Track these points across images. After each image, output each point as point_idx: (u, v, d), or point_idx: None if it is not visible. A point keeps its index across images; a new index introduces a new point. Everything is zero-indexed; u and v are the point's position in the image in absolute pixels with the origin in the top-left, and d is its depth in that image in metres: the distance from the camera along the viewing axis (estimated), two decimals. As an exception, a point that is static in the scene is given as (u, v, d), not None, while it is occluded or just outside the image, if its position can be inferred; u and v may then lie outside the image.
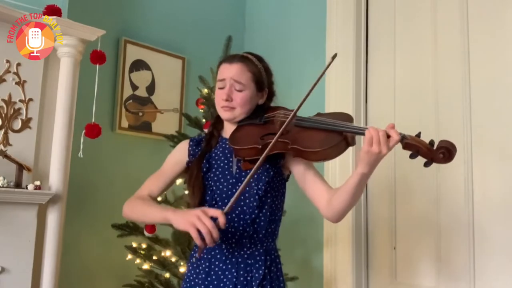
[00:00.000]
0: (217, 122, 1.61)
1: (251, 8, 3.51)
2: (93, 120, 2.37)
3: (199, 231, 1.26)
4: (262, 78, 1.55)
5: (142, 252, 2.41)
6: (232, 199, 1.33)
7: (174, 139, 2.51)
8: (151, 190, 1.57)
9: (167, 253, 2.36)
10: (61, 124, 2.28)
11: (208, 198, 1.50)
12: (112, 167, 2.78)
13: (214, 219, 1.29)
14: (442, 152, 1.23)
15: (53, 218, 2.23)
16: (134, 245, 2.43)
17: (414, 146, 1.26)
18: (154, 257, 2.39)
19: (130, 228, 2.41)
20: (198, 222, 1.26)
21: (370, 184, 2.66)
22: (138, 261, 2.43)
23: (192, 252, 1.56)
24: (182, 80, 3.12)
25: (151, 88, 2.99)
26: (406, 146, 1.28)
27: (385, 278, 2.54)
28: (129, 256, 2.44)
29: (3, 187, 2.07)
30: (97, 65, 2.39)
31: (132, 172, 2.77)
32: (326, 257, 2.70)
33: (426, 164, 1.27)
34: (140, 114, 2.92)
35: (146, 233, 2.38)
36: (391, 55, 2.66)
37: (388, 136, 1.26)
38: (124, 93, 2.86)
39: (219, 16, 3.37)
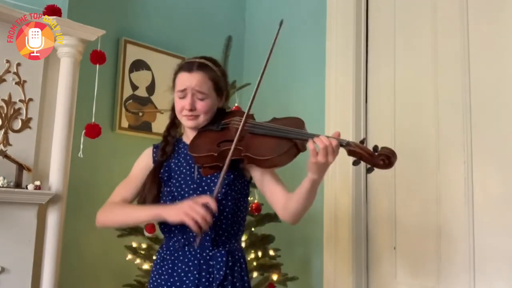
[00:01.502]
0: (172, 128, 1.63)
1: (251, 8, 3.51)
2: (93, 120, 2.37)
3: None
4: (221, 84, 1.57)
5: (142, 252, 2.41)
6: (218, 184, 1.38)
7: (174, 139, 2.50)
8: (124, 196, 1.57)
9: (167, 253, 2.36)
10: (61, 124, 2.28)
11: (169, 203, 1.51)
12: (112, 167, 2.78)
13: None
14: (382, 159, 1.29)
15: (53, 218, 2.23)
16: (134, 245, 2.43)
17: (357, 153, 1.31)
18: (154, 257, 2.38)
19: (130, 228, 2.41)
20: (191, 211, 1.33)
21: (370, 184, 2.66)
22: (138, 261, 2.43)
23: (157, 253, 1.57)
24: (182, 80, 3.11)
25: (151, 88, 2.99)
26: (350, 153, 1.33)
27: (385, 278, 2.55)
28: (129, 256, 2.44)
29: (3, 187, 2.07)
30: (97, 65, 2.39)
31: (132, 172, 2.77)
32: (326, 257, 2.70)
33: (369, 170, 1.32)
34: (140, 114, 2.92)
35: (146, 233, 2.38)
36: (391, 55, 2.66)
37: None
38: (124, 93, 2.86)
39: (219, 16, 3.37)
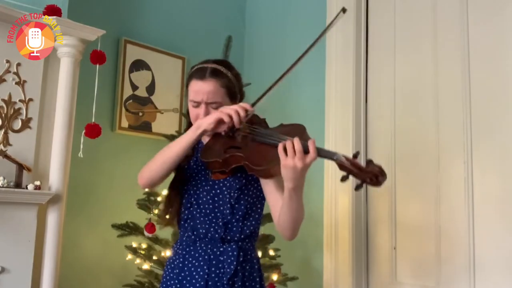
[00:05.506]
0: None
1: (251, 8, 3.51)
2: (93, 120, 2.37)
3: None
4: (234, 89, 1.55)
5: (142, 252, 2.41)
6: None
7: (174, 139, 2.50)
8: None
9: (167, 253, 2.36)
10: (61, 124, 2.28)
11: (184, 201, 1.52)
12: (112, 167, 2.78)
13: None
14: (370, 177, 1.17)
15: (53, 218, 2.23)
16: (134, 245, 2.43)
17: (347, 168, 1.20)
18: (154, 257, 2.39)
19: (130, 228, 2.42)
20: (226, 109, 1.41)
21: (370, 184, 2.66)
22: (138, 261, 2.43)
23: (172, 248, 1.57)
24: (182, 80, 3.11)
25: (151, 88, 2.99)
26: (340, 168, 1.21)
27: (385, 278, 2.55)
28: (129, 256, 2.44)
29: (3, 187, 2.07)
30: (97, 65, 2.39)
31: (132, 172, 2.76)
32: (326, 257, 2.70)
33: (357, 188, 1.20)
34: (140, 114, 2.92)
35: (146, 233, 2.38)
36: (391, 55, 2.66)
37: (306, 152, 1.23)
38: (124, 93, 2.86)
39: (219, 16, 3.37)
